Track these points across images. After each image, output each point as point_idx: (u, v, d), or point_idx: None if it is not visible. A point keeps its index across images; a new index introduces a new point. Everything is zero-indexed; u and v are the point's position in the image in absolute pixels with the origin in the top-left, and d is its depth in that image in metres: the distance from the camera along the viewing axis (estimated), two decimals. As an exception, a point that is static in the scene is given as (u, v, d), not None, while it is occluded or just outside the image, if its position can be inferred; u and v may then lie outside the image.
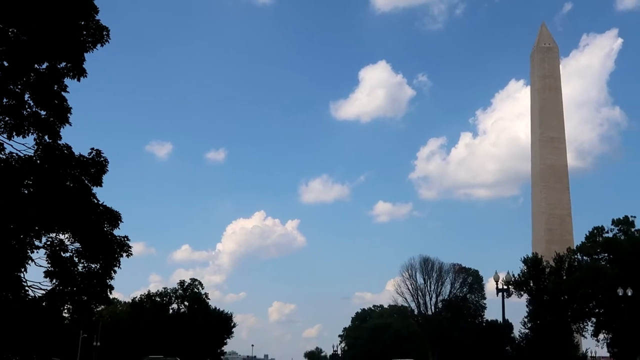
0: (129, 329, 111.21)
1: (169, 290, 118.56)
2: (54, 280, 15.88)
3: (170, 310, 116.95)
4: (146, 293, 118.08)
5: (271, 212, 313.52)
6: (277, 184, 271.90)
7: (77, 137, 17.74)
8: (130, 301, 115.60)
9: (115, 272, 15.43)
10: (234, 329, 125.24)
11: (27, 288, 13.85)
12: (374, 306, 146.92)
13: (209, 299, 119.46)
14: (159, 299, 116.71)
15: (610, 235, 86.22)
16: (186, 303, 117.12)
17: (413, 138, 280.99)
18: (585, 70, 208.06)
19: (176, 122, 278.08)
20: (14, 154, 14.98)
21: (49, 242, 15.93)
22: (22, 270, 13.10)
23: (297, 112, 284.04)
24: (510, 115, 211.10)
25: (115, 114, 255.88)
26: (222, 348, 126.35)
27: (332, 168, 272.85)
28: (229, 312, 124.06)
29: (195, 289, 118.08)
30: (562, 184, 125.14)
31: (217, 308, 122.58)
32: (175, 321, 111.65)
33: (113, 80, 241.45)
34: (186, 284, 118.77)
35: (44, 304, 15.61)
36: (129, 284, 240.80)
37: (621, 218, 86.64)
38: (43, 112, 16.22)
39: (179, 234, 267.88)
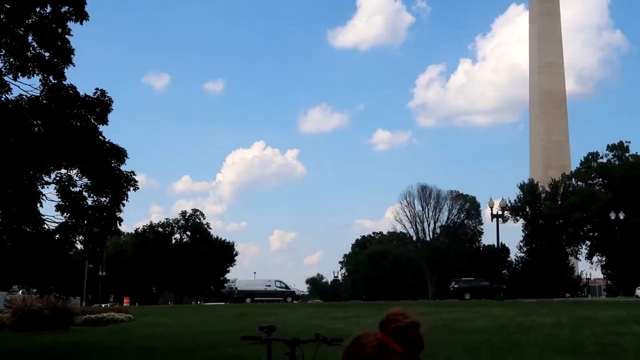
0: (133, 259, 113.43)
1: (171, 221, 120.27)
2: (65, 214, 16.78)
3: (173, 241, 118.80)
4: (148, 224, 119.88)
5: (271, 142, 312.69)
6: (276, 113, 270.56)
7: (75, 73, 18.34)
8: (134, 232, 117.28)
9: (123, 205, 16.29)
10: (236, 258, 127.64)
11: (44, 222, 14.76)
12: (373, 233, 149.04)
13: (210, 228, 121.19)
14: (161, 230, 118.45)
15: (604, 160, 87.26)
16: (188, 233, 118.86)
17: (412, 65, 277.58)
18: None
19: (173, 53, 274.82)
20: (23, 96, 15.66)
21: (58, 178, 16.76)
22: (38, 204, 13.96)
23: (295, 40, 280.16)
24: (510, 40, 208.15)
25: (112, 46, 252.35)
26: (225, 276, 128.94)
27: (331, 97, 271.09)
28: (230, 241, 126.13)
29: (197, 219, 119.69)
30: (560, 109, 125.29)
31: (219, 237, 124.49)
32: (178, 251, 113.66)
33: (108, 11, 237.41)
34: (188, 214, 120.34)
35: (57, 236, 16.58)
36: (131, 215, 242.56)
37: (616, 143, 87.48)
38: (47, 54, 16.79)
39: (179, 165, 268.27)
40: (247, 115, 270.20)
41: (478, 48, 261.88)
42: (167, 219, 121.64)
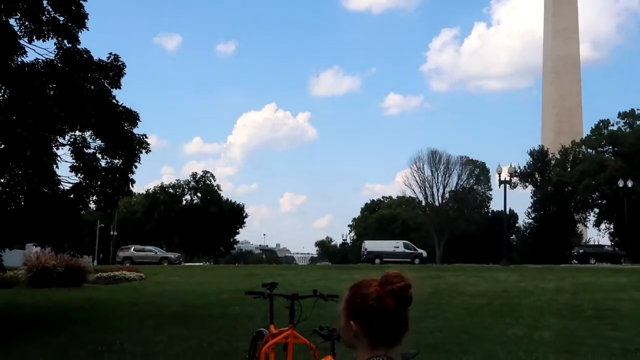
0: (144, 219, 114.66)
1: (181, 182, 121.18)
2: (79, 175, 17.30)
3: (184, 202, 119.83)
4: (159, 185, 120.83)
5: (282, 105, 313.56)
6: (287, 76, 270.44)
7: (87, 34, 18.55)
8: (144, 193, 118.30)
9: (136, 167, 16.74)
10: (246, 220, 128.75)
11: (61, 183, 15.27)
12: (383, 197, 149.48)
13: (221, 190, 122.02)
14: (172, 191, 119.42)
15: (615, 128, 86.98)
16: (199, 195, 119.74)
17: (425, 29, 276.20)
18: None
19: (185, 13, 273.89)
20: (40, 60, 16.05)
21: (72, 140, 17.24)
22: (55, 166, 14.44)
23: (308, 2, 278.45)
24: (525, 4, 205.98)
25: (122, 5, 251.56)
26: (235, 237, 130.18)
27: (343, 59, 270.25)
28: (240, 204, 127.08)
29: (207, 181, 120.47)
30: (573, 75, 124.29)
31: (229, 199, 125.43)
32: (188, 212, 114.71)
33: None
34: (198, 176, 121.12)
35: (71, 196, 17.11)
36: (142, 176, 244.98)
37: (627, 111, 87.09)
38: (62, 18, 17.13)
39: (190, 126, 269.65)
40: (258, 77, 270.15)
41: (493, 12, 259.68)
42: (177, 180, 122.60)
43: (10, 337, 13.63)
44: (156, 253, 64.26)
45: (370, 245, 67.96)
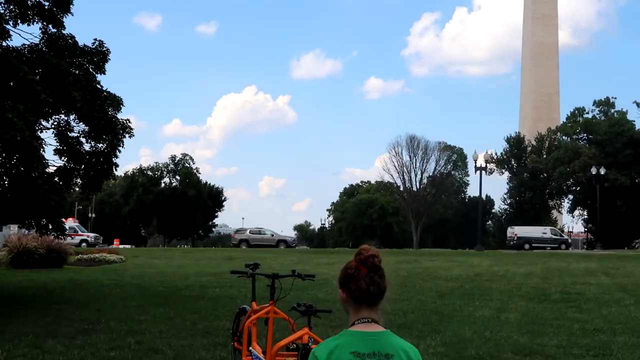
0: (122, 202, 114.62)
1: (160, 165, 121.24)
2: (62, 158, 17.67)
3: (162, 185, 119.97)
4: (138, 167, 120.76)
5: (262, 87, 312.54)
6: (268, 58, 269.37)
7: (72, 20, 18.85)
8: (123, 175, 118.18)
9: (120, 151, 17.16)
10: (224, 203, 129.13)
11: (48, 166, 15.65)
12: (361, 182, 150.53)
13: (199, 173, 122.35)
14: (150, 174, 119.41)
15: (590, 116, 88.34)
16: (178, 177, 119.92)
17: (407, 13, 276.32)
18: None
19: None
20: (26, 45, 16.36)
21: (56, 123, 17.60)
22: (42, 149, 14.81)
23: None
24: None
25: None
26: (214, 221, 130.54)
27: (325, 43, 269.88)
28: (219, 187, 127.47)
29: (187, 164, 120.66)
30: (551, 61, 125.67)
31: (208, 182, 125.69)
32: (167, 195, 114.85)
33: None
34: (177, 158, 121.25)
35: (56, 178, 17.50)
36: (121, 158, 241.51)
37: (602, 99, 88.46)
38: (46, 3, 17.41)
39: (169, 108, 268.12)
40: (239, 59, 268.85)
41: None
42: (156, 162, 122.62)
43: (-3, 316, 14.07)
44: (272, 235, 62.40)
45: (520, 230, 68.94)
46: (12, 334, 11.56)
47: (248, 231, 64.22)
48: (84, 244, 55.42)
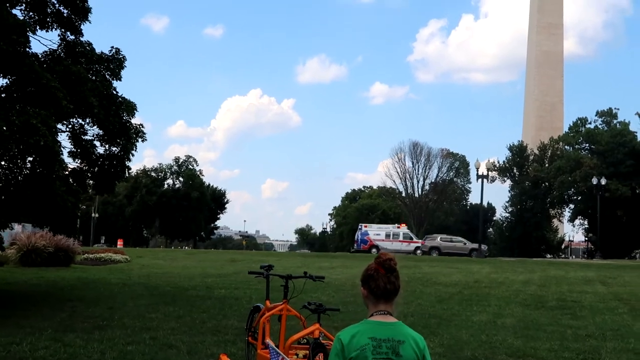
0: (125, 202, 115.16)
1: (164, 166, 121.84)
2: (76, 160, 18.30)
3: (165, 186, 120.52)
4: (142, 168, 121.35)
5: (267, 91, 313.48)
6: (274, 62, 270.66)
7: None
8: (126, 176, 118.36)
9: (133, 155, 17.79)
10: (227, 205, 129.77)
11: (67, 169, 16.25)
12: (364, 187, 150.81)
13: (203, 175, 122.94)
14: (154, 175, 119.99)
15: (592, 126, 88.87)
16: (181, 179, 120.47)
17: (413, 19, 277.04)
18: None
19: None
20: (46, 52, 16.98)
21: (70, 126, 18.22)
22: (61, 153, 15.42)
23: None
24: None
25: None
26: (216, 223, 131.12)
27: (330, 48, 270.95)
28: (222, 189, 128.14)
29: (190, 166, 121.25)
30: (556, 71, 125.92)
31: (211, 185, 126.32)
32: (170, 196, 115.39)
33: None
34: (181, 160, 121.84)
35: (70, 180, 18.11)
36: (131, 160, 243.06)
37: (605, 110, 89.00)
38: (65, 11, 18.05)
39: (174, 109, 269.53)
40: (244, 62, 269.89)
41: (482, 4, 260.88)
42: (160, 164, 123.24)
43: (13, 311, 14.66)
44: (465, 244, 60.16)
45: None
46: (32, 327, 12.16)
47: (439, 238, 62.22)
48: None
